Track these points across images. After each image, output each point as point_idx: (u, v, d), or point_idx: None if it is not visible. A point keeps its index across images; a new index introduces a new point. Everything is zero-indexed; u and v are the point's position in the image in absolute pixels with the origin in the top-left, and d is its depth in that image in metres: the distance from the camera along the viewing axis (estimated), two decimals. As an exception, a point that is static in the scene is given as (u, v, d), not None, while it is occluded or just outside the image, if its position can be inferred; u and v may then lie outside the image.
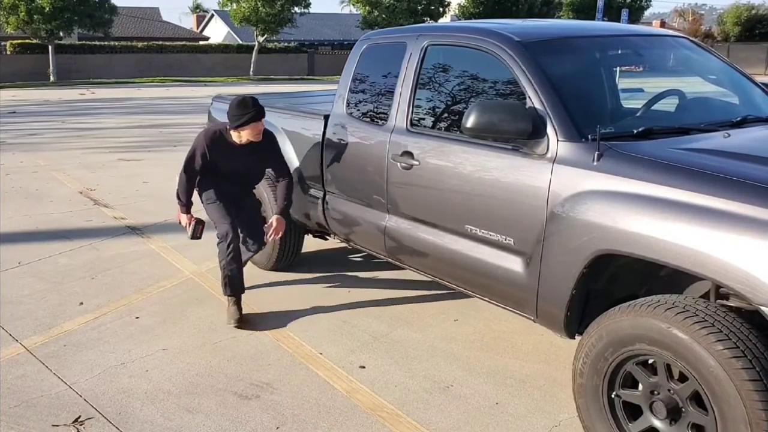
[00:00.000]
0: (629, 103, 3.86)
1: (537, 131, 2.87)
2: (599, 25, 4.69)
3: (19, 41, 34.50)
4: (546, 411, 3.14)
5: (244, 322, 4.02)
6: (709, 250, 2.23)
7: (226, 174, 4.18)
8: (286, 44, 41.91)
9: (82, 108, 18.57)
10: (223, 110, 5.50)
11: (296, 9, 36.19)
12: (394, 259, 3.88)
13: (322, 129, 4.24)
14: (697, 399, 2.33)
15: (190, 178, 4.18)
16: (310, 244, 5.04)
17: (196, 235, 4.26)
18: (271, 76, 35.97)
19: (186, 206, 4.24)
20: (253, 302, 4.43)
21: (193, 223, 4.24)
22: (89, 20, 32.62)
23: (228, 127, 4.04)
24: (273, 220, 4.17)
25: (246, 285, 4.73)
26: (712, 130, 2.97)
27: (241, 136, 4.01)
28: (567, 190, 2.73)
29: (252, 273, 4.96)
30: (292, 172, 4.51)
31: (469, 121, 2.91)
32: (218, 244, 4.14)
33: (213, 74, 36.07)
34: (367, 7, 36.69)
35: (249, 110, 3.91)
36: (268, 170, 4.42)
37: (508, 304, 3.15)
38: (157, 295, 4.58)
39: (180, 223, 4.34)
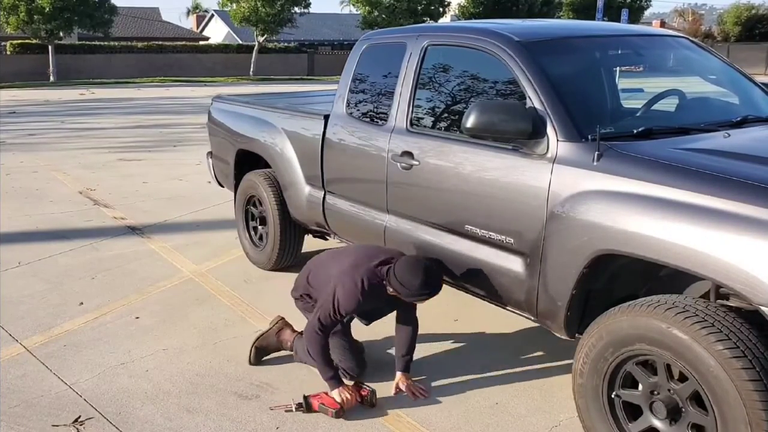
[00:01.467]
0: (629, 103, 3.86)
1: (537, 131, 2.87)
2: (599, 25, 4.69)
3: (19, 41, 34.50)
4: (546, 411, 3.14)
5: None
6: (709, 250, 2.23)
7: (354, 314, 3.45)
8: (286, 44, 41.90)
9: (81, 108, 18.57)
10: (223, 110, 5.53)
11: (296, 9, 36.22)
12: (394, 259, 3.88)
13: (322, 129, 4.24)
14: (697, 399, 2.33)
15: (327, 335, 3.22)
16: (310, 244, 5.04)
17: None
18: (271, 76, 35.96)
19: (335, 377, 3.16)
20: (252, 302, 4.43)
21: (366, 393, 3.14)
22: (89, 20, 32.63)
23: (391, 286, 3.17)
24: (400, 381, 3.29)
25: (245, 285, 4.75)
26: (712, 130, 2.97)
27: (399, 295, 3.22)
28: (567, 190, 2.73)
29: (251, 273, 4.97)
30: (292, 173, 4.52)
31: (469, 121, 2.91)
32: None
33: (213, 74, 36.06)
34: (367, 7, 36.69)
35: (429, 289, 3.17)
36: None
37: (508, 304, 3.15)
38: (157, 295, 4.58)
39: (322, 407, 3.08)
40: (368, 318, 3.53)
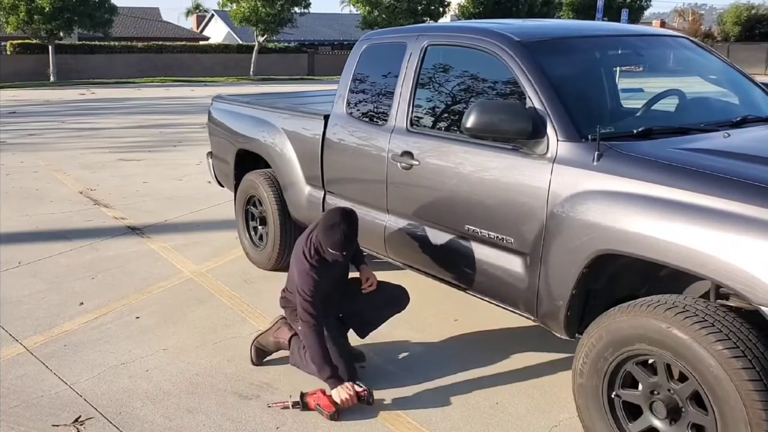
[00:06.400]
0: (629, 103, 3.86)
1: (537, 131, 2.87)
2: (599, 25, 4.69)
3: (19, 41, 34.51)
4: (546, 411, 3.14)
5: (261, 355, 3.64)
6: (709, 250, 2.23)
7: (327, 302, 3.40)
8: (286, 44, 41.89)
9: (82, 108, 18.57)
10: (223, 110, 5.52)
11: (296, 9, 36.22)
12: (394, 259, 3.88)
13: (322, 129, 4.24)
14: (697, 399, 2.34)
15: (318, 326, 3.22)
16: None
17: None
18: (271, 76, 35.96)
19: (334, 376, 3.13)
20: (252, 302, 4.43)
21: (363, 393, 3.10)
22: (89, 20, 32.62)
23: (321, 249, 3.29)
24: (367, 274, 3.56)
25: (245, 285, 4.75)
26: (712, 130, 2.97)
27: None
28: (567, 190, 2.73)
29: (251, 273, 4.97)
30: (292, 173, 4.52)
31: (469, 120, 2.91)
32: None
33: (213, 74, 36.05)
34: (367, 7, 36.69)
35: (344, 248, 3.24)
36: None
37: (508, 304, 3.15)
38: (157, 295, 4.58)
39: (318, 408, 3.06)
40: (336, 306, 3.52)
